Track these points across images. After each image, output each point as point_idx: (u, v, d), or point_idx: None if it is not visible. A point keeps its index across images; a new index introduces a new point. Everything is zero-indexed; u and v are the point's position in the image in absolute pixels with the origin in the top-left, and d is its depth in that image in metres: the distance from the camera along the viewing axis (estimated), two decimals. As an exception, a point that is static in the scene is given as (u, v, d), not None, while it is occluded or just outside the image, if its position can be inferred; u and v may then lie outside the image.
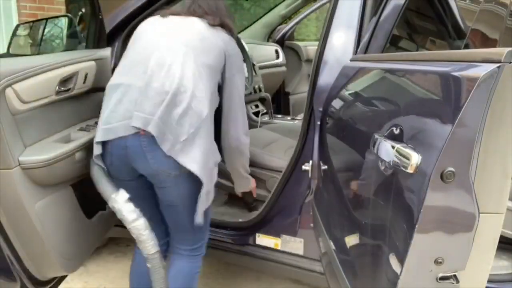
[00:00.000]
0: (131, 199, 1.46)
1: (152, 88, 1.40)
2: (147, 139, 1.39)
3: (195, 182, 1.42)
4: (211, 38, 1.55)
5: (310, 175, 1.72)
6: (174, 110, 1.39)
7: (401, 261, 0.91)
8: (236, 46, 1.65)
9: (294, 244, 1.87)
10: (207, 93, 1.46)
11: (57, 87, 1.55)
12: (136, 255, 1.66)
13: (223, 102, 1.62)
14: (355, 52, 1.64)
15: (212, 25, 1.57)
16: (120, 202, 1.45)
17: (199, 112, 1.41)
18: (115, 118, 1.42)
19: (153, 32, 1.56)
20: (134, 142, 1.40)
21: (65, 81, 1.59)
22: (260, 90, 2.93)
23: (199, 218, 1.47)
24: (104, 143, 1.45)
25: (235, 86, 1.62)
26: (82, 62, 1.68)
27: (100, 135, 1.43)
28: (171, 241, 1.66)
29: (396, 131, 1.02)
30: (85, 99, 1.69)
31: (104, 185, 1.49)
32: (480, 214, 0.86)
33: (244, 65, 2.70)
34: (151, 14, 1.99)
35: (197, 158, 1.41)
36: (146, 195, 1.55)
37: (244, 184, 1.90)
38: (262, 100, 2.98)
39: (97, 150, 1.45)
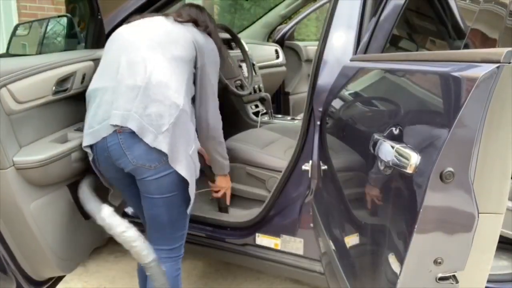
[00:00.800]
0: (118, 211, 1.48)
1: (124, 85, 1.45)
2: (124, 136, 1.43)
3: (173, 173, 1.44)
4: (177, 30, 1.59)
5: (310, 175, 1.72)
6: (150, 103, 1.42)
7: (401, 261, 0.91)
8: (208, 40, 1.67)
9: (294, 244, 1.87)
10: (181, 84, 1.49)
11: (54, 87, 1.55)
12: None
13: (196, 90, 1.63)
14: (355, 52, 1.64)
15: (178, 21, 1.62)
16: (106, 218, 1.46)
17: (176, 102, 1.45)
18: (96, 121, 1.47)
19: (122, 36, 1.61)
20: (113, 141, 1.45)
21: (62, 81, 1.59)
22: (260, 90, 2.93)
23: (189, 209, 1.52)
24: (91, 148, 1.51)
25: (206, 75, 1.63)
26: (79, 62, 1.68)
27: (86, 140, 1.50)
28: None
29: (396, 131, 1.02)
30: (83, 99, 1.69)
31: (89, 206, 1.52)
32: (480, 214, 0.85)
33: (244, 65, 2.74)
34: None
35: (180, 154, 1.44)
36: (138, 192, 1.56)
37: (219, 167, 1.87)
38: (262, 100, 2.97)
39: (90, 155, 1.53)
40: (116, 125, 1.43)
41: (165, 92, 1.44)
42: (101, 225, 1.47)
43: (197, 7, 1.73)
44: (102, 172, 1.58)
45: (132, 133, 1.41)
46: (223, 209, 2.08)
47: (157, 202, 1.51)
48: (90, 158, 1.54)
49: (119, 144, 1.44)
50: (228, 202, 2.06)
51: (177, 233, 1.60)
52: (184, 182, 1.47)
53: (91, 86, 1.56)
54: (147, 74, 1.45)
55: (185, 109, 1.48)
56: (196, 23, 1.66)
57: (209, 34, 1.69)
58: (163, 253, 1.58)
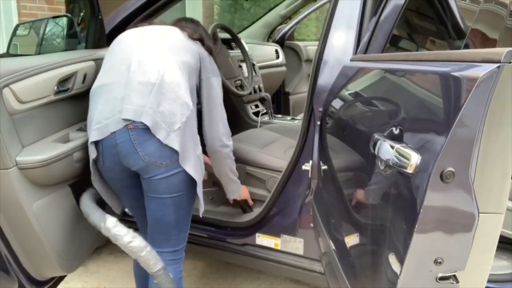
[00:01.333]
0: (123, 220, 1.49)
1: (137, 81, 1.45)
2: (137, 132, 1.42)
3: (182, 172, 1.46)
4: (187, 42, 1.62)
5: (310, 175, 1.72)
6: (163, 100, 1.43)
7: (401, 261, 0.91)
8: (211, 58, 1.70)
9: (294, 244, 1.87)
10: (187, 88, 1.51)
11: (56, 87, 1.55)
12: None
13: (202, 103, 1.65)
14: (355, 52, 1.64)
15: (192, 38, 1.65)
16: (110, 228, 1.47)
17: (187, 102, 1.47)
18: (104, 117, 1.45)
19: (132, 37, 1.61)
20: (124, 137, 1.43)
21: (63, 81, 1.59)
22: (260, 90, 2.93)
23: (201, 206, 1.55)
24: (96, 145, 1.48)
25: (213, 88, 1.66)
26: (81, 62, 1.68)
27: (94, 135, 1.46)
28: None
29: (396, 131, 1.02)
30: (84, 99, 1.69)
31: (93, 217, 1.52)
32: (480, 214, 0.86)
33: (244, 65, 2.75)
34: (151, 15, 2.00)
35: (190, 154, 1.46)
36: (141, 194, 1.55)
37: (235, 188, 1.88)
38: (262, 100, 2.97)
39: (93, 153, 1.49)
40: (127, 120, 1.42)
41: (177, 91, 1.45)
42: (106, 235, 1.48)
43: (192, 21, 1.76)
44: (103, 172, 1.55)
45: (145, 129, 1.41)
46: (247, 210, 2.08)
47: (165, 202, 1.50)
48: (93, 157, 1.48)
49: (130, 140, 1.42)
50: (251, 203, 2.05)
51: (181, 235, 1.60)
52: (191, 182, 1.49)
53: (97, 83, 1.54)
54: (160, 73, 1.46)
55: (194, 110, 1.51)
56: (202, 42, 1.69)
57: (211, 54, 1.71)
58: (167, 255, 1.58)
